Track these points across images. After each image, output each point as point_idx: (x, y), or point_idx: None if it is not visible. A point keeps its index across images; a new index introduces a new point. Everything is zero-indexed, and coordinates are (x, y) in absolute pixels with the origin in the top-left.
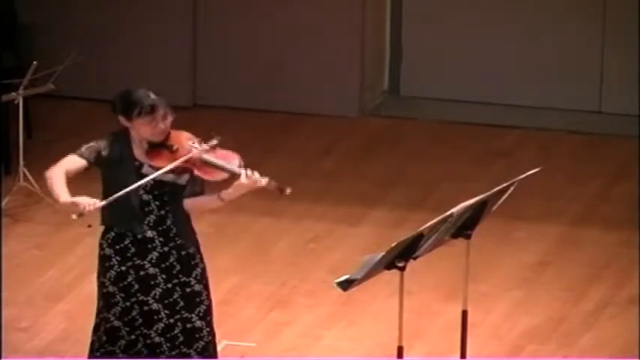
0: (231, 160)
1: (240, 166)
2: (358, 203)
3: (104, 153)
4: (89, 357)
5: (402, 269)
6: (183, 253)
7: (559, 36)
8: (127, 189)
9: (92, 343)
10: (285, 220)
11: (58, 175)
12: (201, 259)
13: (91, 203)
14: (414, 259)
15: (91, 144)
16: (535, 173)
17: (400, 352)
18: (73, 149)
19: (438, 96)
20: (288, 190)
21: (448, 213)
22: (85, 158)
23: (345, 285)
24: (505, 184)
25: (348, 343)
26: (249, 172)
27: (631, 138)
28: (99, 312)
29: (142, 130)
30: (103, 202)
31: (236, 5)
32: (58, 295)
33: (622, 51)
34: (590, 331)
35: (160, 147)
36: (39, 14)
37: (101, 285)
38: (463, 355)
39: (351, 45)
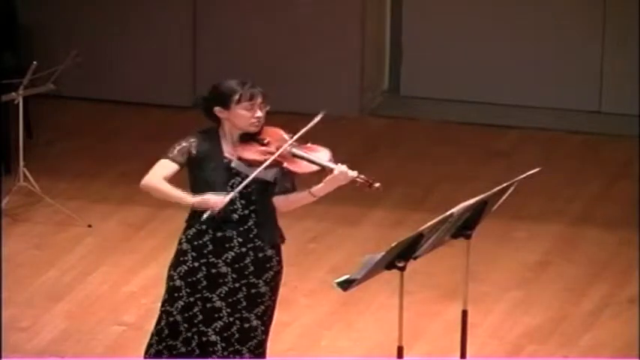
0: (322, 154)
1: (331, 160)
2: (358, 203)
3: (194, 152)
4: (147, 350)
5: (402, 269)
6: (260, 255)
7: (559, 36)
8: (232, 194)
9: (151, 336)
10: (285, 220)
11: (161, 182)
12: (279, 262)
13: (220, 199)
14: (414, 259)
15: (183, 144)
16: (535, 173)
17: (400, 352)
18: (72, 149)
19: (438, 96)
20: (377, 184)
21: (448, 213)
22: (177, 162)
23: (345, 285)
24: (505, 184)
25: (348, 343)
26: (341, 165)
27: (631, 138)
28: (163, 304)
29: (239, 119)
30: (231, 195)
31: (236, 5)
32: (58, 295)
33: (622, 51)
34: (590, 331)
35: (250, 140)
36: (39, 14)
37: (169, 278)
38: (463, 355)
39: (351, 45)
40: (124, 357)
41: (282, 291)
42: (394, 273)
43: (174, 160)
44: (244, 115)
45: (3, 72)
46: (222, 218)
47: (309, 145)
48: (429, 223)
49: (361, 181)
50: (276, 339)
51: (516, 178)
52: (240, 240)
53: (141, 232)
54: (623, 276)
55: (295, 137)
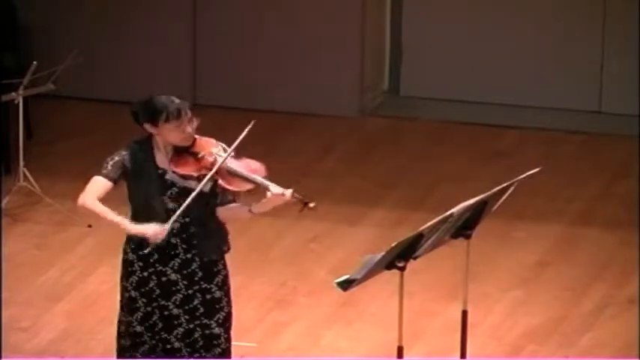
0: (256, 171)
1: (265, 178)
2: (358, 203)
3: (128, 165)
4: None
5: (402, 269)
6: (205, 259)
7: (559, 36)
8: (170, 223)
9: (117, 347)
10: (285, 220)
11: (96, 205)
12: (224, 265)
13: (160, 231)
14: (414, 259)
15: (116, 159)
16: (535, 173)
17: (400, 352)
18: (72, 149)
19: (438, 96)
20: (312, 204)
21: (448, 213)
22: (111, 179)
23: (345, 285)
24: (505, 184)
25: (348, 343)
26: (275, 185)
27: (631, 138)
28: (122, 315)
29: (169, 136)
30: (168, 225)
31: (236, 5)
32: (58, 295)
33: (622, 51)
34: (590, 331)
35: (185, 153)
36: (39, 15)
37: (124, 289)
38: (463, 355)
39: (351, 45)
40: None
41: (282, 291)
42: (394, 273)
43: (107, 177)
44: (173, 132)
45: (3, 72)
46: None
47: (244, 159)
48: (429, 223)
49: (296, 200)
50: (276, 339)
51: (516, 178)
52: (185, 247)
53: None
54: (623, 276)
55: (230, 151)
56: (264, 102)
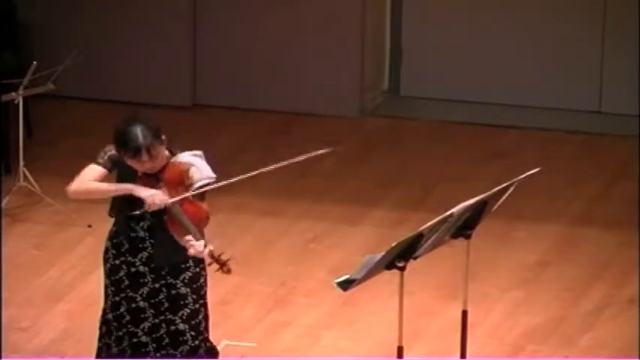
0: (197, 218)
1: (199, 227)
2: (358, 203)
3: (121, 161)
4: (98, 347)
5: (402, 269)
6: (167, 262)
7: (559, 36)
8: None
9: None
10: (285, 220)
11: (92, 183)
12: (197, 264)
13: (159, 199)
14: (414, 259)
15: (113, 152)
16: (535, 173)
17: (400, 352)
18: (73, 149)
19: (438, 96)
20: (227, 269)
21: (448, 213)
22: (105, 167)
23: (345, 285)
24: (505, 184)
25: (348, 343)
26: (200, 242)
27: (631, 138)
28: (104, 302)
29: (129, 163)
30: (175, 199)
31: (236, 5)
32: (58, 295)
33: (622, 51)
34: (590, 331)
35: (151, 177)
36: (39, 14)
37: (104, 276)
38: (463, 355)
39: (351, 45)
40: None
41: (281, 291)
42: (394, 273)
43: (103, 166)
44: (130, 162)
45: (3, 72)
46: (130, 226)
47: (197, 205)
48: (429, 223)
49: (210, 260)
50: (276, 339)
51: (516, 178)
52: (152, 242)
53: None
54: (623, 276)
55: (178, 198)
56: (264, 102)
